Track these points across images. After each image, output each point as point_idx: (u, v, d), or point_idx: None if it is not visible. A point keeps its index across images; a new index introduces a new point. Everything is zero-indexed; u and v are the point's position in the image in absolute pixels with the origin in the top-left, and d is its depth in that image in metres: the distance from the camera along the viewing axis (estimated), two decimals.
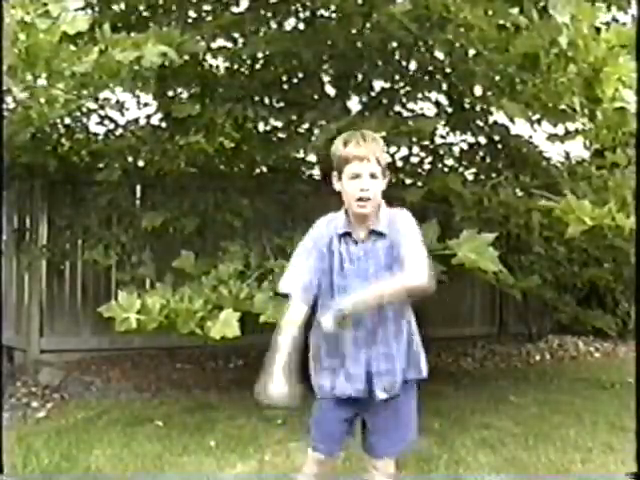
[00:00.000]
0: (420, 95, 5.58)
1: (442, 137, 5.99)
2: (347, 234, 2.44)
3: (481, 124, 5.58)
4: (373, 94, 5.47)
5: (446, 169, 5.80)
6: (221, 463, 3.84)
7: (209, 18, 5.26)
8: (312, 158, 5.91)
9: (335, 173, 2.43)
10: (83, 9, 5.01)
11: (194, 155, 5.56)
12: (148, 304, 3.83)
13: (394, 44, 5.12)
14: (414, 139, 5.30)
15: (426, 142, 5.71)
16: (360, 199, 2.35)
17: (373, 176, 2.35)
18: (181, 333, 3.91)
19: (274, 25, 5.47)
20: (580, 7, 3.24)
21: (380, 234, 2.41)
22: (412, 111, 5.56)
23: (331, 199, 5.99)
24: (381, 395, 2.47)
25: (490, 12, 3.62)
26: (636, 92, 3.23)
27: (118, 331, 4.05)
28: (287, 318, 2.34)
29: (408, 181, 6.47)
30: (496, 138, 5.62)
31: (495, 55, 3.73)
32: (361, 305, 2.32)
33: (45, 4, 3.29)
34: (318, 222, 2.52)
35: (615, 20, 4.91)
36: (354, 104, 5.45)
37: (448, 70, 5.10)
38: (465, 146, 5.89)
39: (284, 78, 5.51)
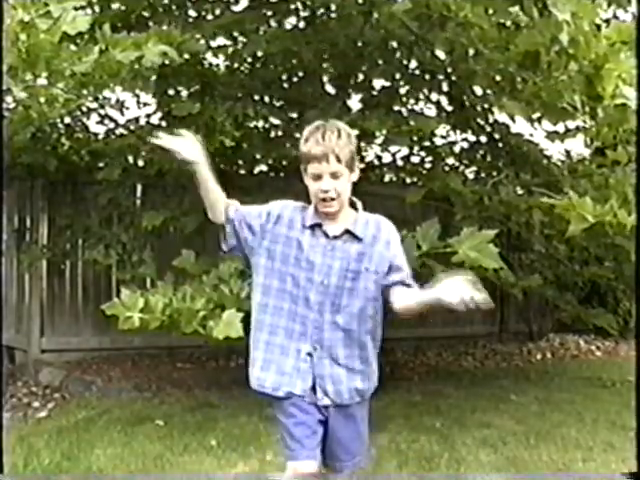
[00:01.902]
0: (421, 94, 5.58)
1: (443, 137, 5.99)
2: (317, 225, 2.31)
3: (482, 123, 5.58)
4: (374, 93, 5.46)
5: (447, 168, 5.80)
6: (222, 462, 3.83)
7: (209, 17, 5.26)
8: None
9: (302, 169, 2.34)
10: (83, 9, 5.00)
11: None
12: (151, 303, 3.83)
13: (394, 43, 5.11)
14: (415, 138, 5.30)
15: (426, 142, 5.72)
16: (324, 199, 2.26)
17: (334, 175, 2.24)
18: (184, 333, 3.91)
19: (274, 24, 5.47)
20: (580, 4, 3.23)
21: (355, 237, 2.31)
22: (412, 110, 5.56)
23: None
24: (325, 401, 2.34)
25: (490, 11, 3.62)
26: (637, 89, 3.22)
27: (118, 330, 4.04)
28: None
29: (408, 180, 6.48)
30: (497, 136, 5.61)
31: (495, 54, 3.73)
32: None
33: (46, 4, 3.29)
34: (287, 201, 2.45)
35: (615, 17, 4.91)
36: (354, 103, 5.45)
37: (449, 69, 5.09)
38: (465, 145, 5.90)
39: (284, 77, 5.51)
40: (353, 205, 2.37)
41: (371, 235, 2.33)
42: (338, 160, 2.24)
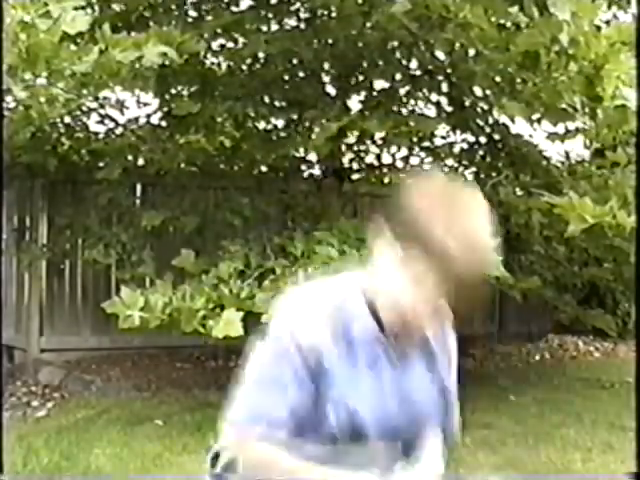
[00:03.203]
0: (420, 95, 5.59)
1: (442, 137, 6.00)
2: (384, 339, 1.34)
3: (481, 123, 5.59)
4: (373, 93, 5.47)
5: (446, 169, 5.81)
6: None
7: (209, 17, 5.26)
8: (312, 157, 5.91)
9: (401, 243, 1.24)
10: (83, 9, 5.01)
11: (194, 154, 5.57)
12: (151, 302, 3.84)
13: (394, 43, 5.12)
14: (414, 139, 5.31)
15: (426, 142, 5.72)
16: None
17: None
18: (184, 331, 3.91)
19: (274, 24, 5.48)
20: (580, 4, 3.24)
21: (429, 350, 1.42)
22: (412, 111, 5.57)
23: (332, 198, 6.02)
24: None
25: (490, 11, 3.62)
26: (637, 90, 3.23)
27: (118, 330, 4.05)
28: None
29: None
30: (496, 137, 5.62)
31: (495, 54, 3.73)
32: None
33: (46, 4, 3.29)
34: (291, 319, 1.35)
35: (615, 17, 4.91)
36: (354, 103, 5.45)
37: (448, 69, 5.10)
38: (465, 145, 5.90)
39: (284, 77, 5.52)
40: None
41: (443, 343, 1.49)
42: None
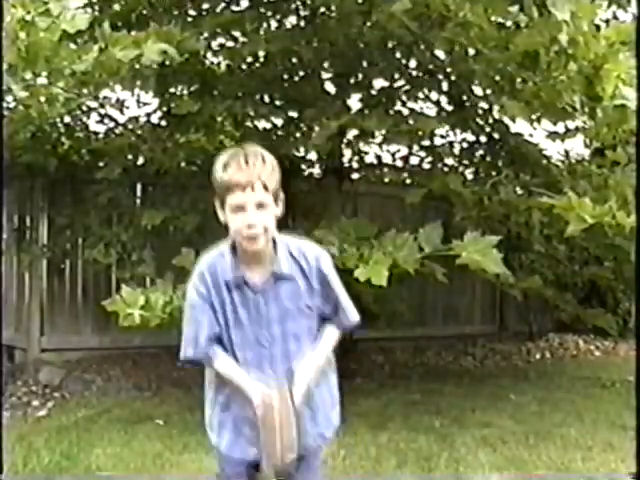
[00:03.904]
0: (420, 94, 5.58)
1: (442, 137, 5.99)
2: (239, 278, 2.01)
3: (481, 122, 5.58)
4: (373, 92, 5.46)
5: (446, 169, 5.80)
6: None
7: (209, 16, 5.25)
8: (312, 156, 5.91)
9: (217, 201, 1.98)
10: (83, 7, 5.01)
11: (194, 153, 5.56)
12: (151, 300, 3.84)
13: (394, 43, 5.11)
14: (414, 138, 5.30)
15: (426, 141, 5.72)
16: (249, 237, 1.93)
17: (261, 206, 1.91)
18: None
19: (274, 23, 5.47)
20: (580, 4, 3.24)
21: (283, 277, 2.02)
22: (412, 110, 5.56)
23: (331, 197, 6.02)
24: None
25: (490, 10, 3.62)
26: (636, 89, 3.23)
27: (118, 330, 4.05)
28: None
29: (408, 181, 6.49)
30: (496, 136, 5.61)
31: (495, 53, 3.73)
32: (308, 382, 2.02)
33: (45, 3, 3.29)
34: (197, 272, 2.06)
35: (615, 17, 4.91)
36: (354, 102, 5.45)
37: (448, 69, 5.09)
38: (465, 145, 5.90)
39: (284, 76, 5.51)
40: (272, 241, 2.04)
41: (309, 269, 2.05)
42: (265, 188, 1.92)
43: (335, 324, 2.14)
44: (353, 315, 2.15)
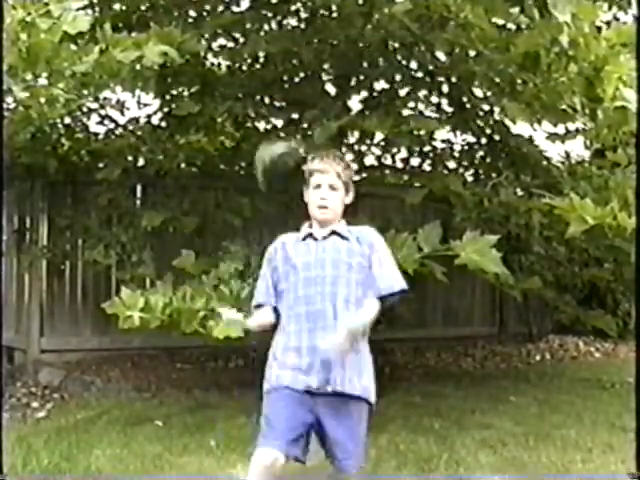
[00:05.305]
0: (421, 95, 5.58)
1: (443, 141, 5.99)
2: (309, 235, 2.65)
3: (481, 124, 5.58)
4: (374, 93, 5.46)
5: (446, 171, 5.80)
6: (221, 463, 3.83)
7: (210, 17, 5.25)
8: None
9: (304, 187, 2.69)
10: (84, 9, 5.01)
11: (194, 154, 5.57)
12: (151, 302, 3.84)
13: (394, 44, 5.12)
14: (414, 140, 5.30)
15: (426, 143, 5.72)
16: (320, 207, 2.60)
17: (332, 187, 2.60)
18: (184, 332, 3.91)
19: (275, 24, 5.48)
20: (581, 6, 3.24)
21: (342, 236, 2.62)
22: (412, 110, 5.56)
23: None
24: (335, 387, 2.51)
25: (490, 12, 3.61)
26: (637, 91, 3.22)
27: (118, 331, 4.04)
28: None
29: (408, 182, 6.49)
30: (496, 138, 5.61)
31: (496, 55, 3.73)
32: (360, 327, 2.51)
33: (46, 4, 3.29)
34: (274, 245, 2.74)
35: (616, 19, 4.91)
36: (354, 103, 5.45)
37: (449, 70, 5.09)
38: (465, 146, 5.90)
39: (285, 77, 5.51)
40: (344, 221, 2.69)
41: (362, 240, 2.63)
42: (338, 176, 2.60)
43: (375, 293, 2.60)
44: (397, 283, 2.63)
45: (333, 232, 2.62)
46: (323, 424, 2.54)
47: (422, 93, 5.57)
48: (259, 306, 2.70)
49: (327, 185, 2.59)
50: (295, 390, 2.51)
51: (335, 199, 2.61)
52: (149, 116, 5.65)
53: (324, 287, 2.54)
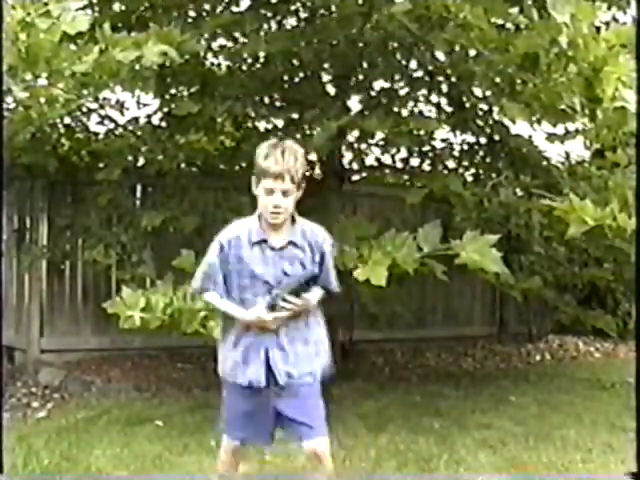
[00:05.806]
0: (420, 95, 5.58)
1: (442, 141, 5.99)
2: (263, 241, 2.64)
3: (481, 124, 5.58)
4: (373, 93, 5.47)
5: (446, 171, 5.80)
6: None
7: (209, 17, 5.25)
8: (312, 157, 5.90)
9: (254, 179, 2.61)
10: (83, 9, 5.01)
11: (194, 154, 5.56)
12: (152, 302, 3.84)
13: (394, 44, 5.12)
14: (414, 140, 5.30)
15: (426, 143, 5.72)
16: (273, 212, 2.57)
17: (285, 193, 2.54)
18: (185, 332, 3.92)
19: (274, 24, 5.48)
20: (580, 6, 3.24)
21: (296, 245, 2.66)
22: (412, 111, 5.56)
23: (331, 199, 6.01)
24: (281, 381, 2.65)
25: (490, 12, 3.62)
26: (636, 91, 3.23)
27: (118, 331, 4.05)
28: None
29: (408, 182, 6.49)
30: (496, 138, 5.61)
31: (495, 55, 3.73)
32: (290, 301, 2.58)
33: (46, 4, 3.30)
34: (222, 233, 2.73)
35: (615, 19, 4.91)
36: (354, 103, 5.46)
37: (448, 70, 5.09)
38: (465, 146, 5.90)
39: (284, 77, 5.51)
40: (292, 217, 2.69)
41: (314, 244, 2.68)
42: (292, 180, 2.54)
43: (321, 286, 2.73)
44: (335, 286, 2.79)
45: (290, 242, 2.65)
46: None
47: (422, 93, 5.57)
48: (204, 290, 2.74)
49: (280, 192, 2.54)
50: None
51: (288, 203, 2.58)
52: (149, 116, 5.65)
53: (271, 288, 2.64)
